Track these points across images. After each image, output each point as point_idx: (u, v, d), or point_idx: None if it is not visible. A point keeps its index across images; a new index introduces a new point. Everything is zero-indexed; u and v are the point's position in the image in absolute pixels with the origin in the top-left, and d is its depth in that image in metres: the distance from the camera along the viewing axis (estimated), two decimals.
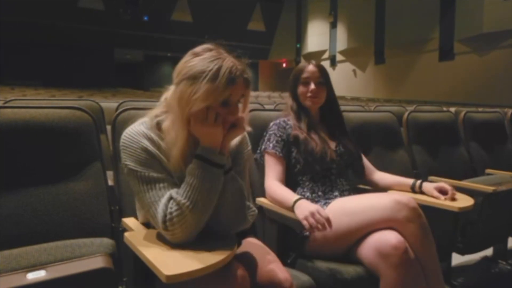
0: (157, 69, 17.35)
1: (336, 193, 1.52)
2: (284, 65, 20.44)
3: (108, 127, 2.21)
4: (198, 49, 0.99)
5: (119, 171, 1.32)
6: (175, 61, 1.07)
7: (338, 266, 1.27)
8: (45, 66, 14.42)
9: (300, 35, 19.15)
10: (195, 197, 0.94)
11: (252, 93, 14.31)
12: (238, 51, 1.01)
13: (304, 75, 1.62)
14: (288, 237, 1.42)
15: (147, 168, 0.99)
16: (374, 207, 1.29)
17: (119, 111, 1.41)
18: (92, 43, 15.39)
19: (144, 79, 17.20)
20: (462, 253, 1.83)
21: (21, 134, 1.14)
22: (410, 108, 3.81)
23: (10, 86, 11.06)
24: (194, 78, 0.94)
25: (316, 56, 17.24)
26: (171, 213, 0.93)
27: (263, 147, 1.59)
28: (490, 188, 1.71)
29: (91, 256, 0.91)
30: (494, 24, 10.49)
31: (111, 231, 1.20)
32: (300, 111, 1.64)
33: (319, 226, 1.22)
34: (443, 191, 1.52)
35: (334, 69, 16.98)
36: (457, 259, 2.15)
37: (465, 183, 1.81)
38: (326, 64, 16.50)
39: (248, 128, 1.08)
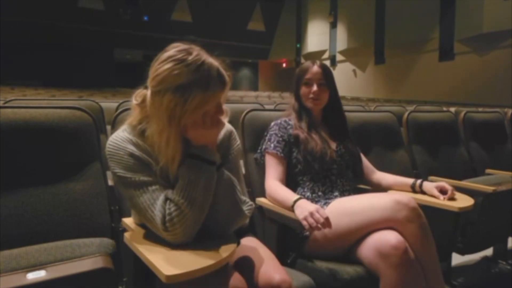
0: None
1: (337, 193, 1.52)
2: (284, 65, 20.45)
3: (108, 127, 2.21)
4: (173, 52, 0.95)
5: None
6: None
7: (338, 266, 1.27)
8: (45, 66, 14.40)
9: (300, 35, 19.16)
10: (192, 195, 0.94)
11: (252, 93, 14.40)
12: (222, 52, 1.00)
13: (307, 76, 1.62)
14: (288, 237, 1.42)
15: (136, 173, 0.98)
16: (374, 207, 1.29)
17: (119, 111, 1.41)
18: (92, 43, 15.39)
19: (144, 79, 17.12)
20: (462, 253, 1.83)
21: (21, 134, 1.14)
22: (410, 108, 3.81)
23: (10, 86, 11.07)
24: (183, 89, 0.91)
25: (316, 56, 17.22)
26: (170, 213, 0.93)
27: (264, 147, 1.59)
28: (490, 188, 1.71)
29: (91, 256, 0.91)
30: (494, 24, 10.50)
31: (111, 231, 1.20)
32: (302, 111, 1.64)
33: (319, 226, 1.22)
34: (443, 191, 1.52)
35: (334, 69, 16.97)
36: (457, 259, 2.15)
37: (465, 183, 1.81)
38: (326, 64, 16.48)
39: (226, 119, 1.06)
